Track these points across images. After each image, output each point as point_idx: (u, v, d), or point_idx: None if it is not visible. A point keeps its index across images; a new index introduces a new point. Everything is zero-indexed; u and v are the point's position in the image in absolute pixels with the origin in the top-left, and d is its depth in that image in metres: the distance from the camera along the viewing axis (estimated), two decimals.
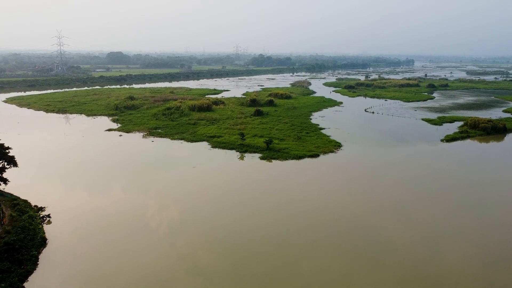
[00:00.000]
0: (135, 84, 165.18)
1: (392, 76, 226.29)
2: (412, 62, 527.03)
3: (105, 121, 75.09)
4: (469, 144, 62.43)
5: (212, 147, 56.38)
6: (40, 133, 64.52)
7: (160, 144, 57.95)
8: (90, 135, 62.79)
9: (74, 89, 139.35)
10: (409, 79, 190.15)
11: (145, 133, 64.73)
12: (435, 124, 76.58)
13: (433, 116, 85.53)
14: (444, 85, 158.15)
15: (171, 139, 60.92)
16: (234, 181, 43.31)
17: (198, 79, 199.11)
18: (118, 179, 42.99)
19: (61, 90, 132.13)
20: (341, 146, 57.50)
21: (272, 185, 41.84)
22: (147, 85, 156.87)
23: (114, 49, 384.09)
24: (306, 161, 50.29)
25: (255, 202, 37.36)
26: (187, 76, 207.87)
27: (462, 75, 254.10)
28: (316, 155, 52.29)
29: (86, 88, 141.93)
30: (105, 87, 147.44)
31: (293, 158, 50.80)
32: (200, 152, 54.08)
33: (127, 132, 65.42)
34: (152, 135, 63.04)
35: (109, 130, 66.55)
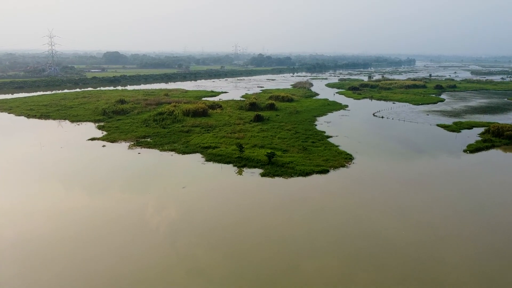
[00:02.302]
0: (129, 85, 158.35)
1: (395, 77, 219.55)
2: (414, 61, 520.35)
3: (89, 128, 68.13)
4: (496, 155, 55.54)
5: (206, 160, 49.44)
6: (14, 144, 57.56)
7: (147, 156, 50.97)
8: (70, 145, 55.80)
9: (65, 90, 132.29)
10: (414, 79, 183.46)
11: (132, 142, 57.79)
12: (453, 130, 69.73)
13: (448, 121, 78.69)
14: (452, 86, 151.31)
15: (160, 150, 53.97)
16: (230, 207, 36.30)
17: (195, 80, 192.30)
18: (90, 204, 35.99)
19: (50, 92, 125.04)
20: (353, 158, 50.61)
21: (275, 212, 34.91)
22: (142, 87, 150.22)
23: (113, 50, 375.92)
24: (314, 178, 43.36)
25: (255, 239, 30.45)
26: (184, 77, 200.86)
27: (467, 75, 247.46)
28: (325, 171, 45.36)
29: (77, 90, 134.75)
30: (98, 88, 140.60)
31: (299, 175, 43.87)
32: (192, 167, 47.13)
33: (112, 141, 58.45)
34: (140, 145, 56.09)
35: (92, 139, 59.55)
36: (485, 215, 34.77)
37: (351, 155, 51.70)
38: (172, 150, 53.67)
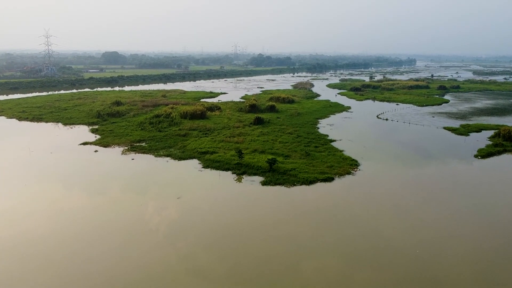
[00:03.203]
0: (127, 86, 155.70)
1: (397, 77, 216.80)
2: (414, 61, 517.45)
3: (82, 132, 65.31)
4: (510, 160, 52.79)
5: (204, 167, 46.66)
6: (2, 148, 54.79)
7: (140, 163, 48.14)
8: (60, 151, 52.96)
9: (62, 91, 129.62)
10: (416, 80, 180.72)
11: (126, 147, 55.01)
12: (461, 134, 66.94)
13: (455, 124, 75.95)
14: (455, 87, 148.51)
15: (155, 155, 51.18)
16: (228, 219, 33.54)
17: (194, 80, 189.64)
18: (74, 214, 33.22)
19: (46, 93, 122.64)
20: (359, 165, 47.83)
21: (277, 229, 32.19)
22: (140, 87, 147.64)
23: (114, 50, 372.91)
24: (319, 187, 40.59)
25: (255, 258, 27.73)
26: (183, 77, 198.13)
27: (469, 75, 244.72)
28: (330, 179, 42.58)
29: (73, 91, 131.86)
30: (95, 89, 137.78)
31: (302, 183, 41.10)
32: (188, 174, 44.36)
33: (105, 146, 55.66)
34: (134, 151, 53.29)
35: (84, 143, 56.74)
36: (507, 228, 32.04)
37: (356, 161, 48.93)
38: (167, 156, 50.89)
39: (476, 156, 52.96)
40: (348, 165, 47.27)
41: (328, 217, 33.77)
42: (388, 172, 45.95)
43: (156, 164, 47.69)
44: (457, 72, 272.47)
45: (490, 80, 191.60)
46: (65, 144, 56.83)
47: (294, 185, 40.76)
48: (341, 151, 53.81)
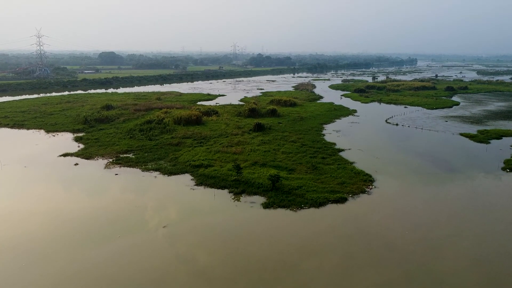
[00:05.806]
0: (122, 87, 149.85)
1: (400, 77, 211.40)
2: (415, 61, 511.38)
3: (65, 140, 59.39)
4: None
5: (197, 183, 40.77)
6: None
7: (124, 179, 42.17)
8: (36, 163, 47.05)
9: (53, 94, 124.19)
10: (421, 80, 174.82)
11: (110, 159, 49.06)
12: (480, 141, 61.09)
13: (471, 129, 70.09)
14: (463, 88, 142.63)
15: (143, 169, 45.26)
16: (220, 262, 27.68)
17: (192, 81, 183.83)
18: (26, 256, 27.38)
19: (36, 96, 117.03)
20: (373, 180, 41.95)
21: (283, 283, 26.33)
22: (135, 89, 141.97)
23: (113, 50, 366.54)
24: (330, 210, 34.74)
25: None
26: (180, 78, 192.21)
27: (473, 75, 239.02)
28: (342, 199, 36.71)
29: (65, 93, 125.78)
30: (87, 91, 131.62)
31: (310, 205, 35.26)
32: (178, 194, 38.45)
33: (88, 158, 49.70)
34: (119, 163, 47.33)
35: (65, 155, 50.78)
36: None
37: (370, 176, 43.05)
38: (156, 170, 44.97)
39: (503, 169, 47.08)
40: (362, 181, 41.39)
41: (343, 257, 27.86)
42: (408, 191, 40.01)
43: (143, 181, 41.71)
44: (461, 72, 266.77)
45: (498, 80, 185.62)
46: (43, 155, 50.85)
47: (302, 207, 34.92)
48: (352, 163, 47.96)
